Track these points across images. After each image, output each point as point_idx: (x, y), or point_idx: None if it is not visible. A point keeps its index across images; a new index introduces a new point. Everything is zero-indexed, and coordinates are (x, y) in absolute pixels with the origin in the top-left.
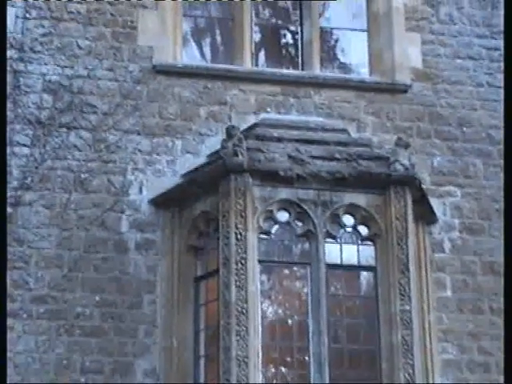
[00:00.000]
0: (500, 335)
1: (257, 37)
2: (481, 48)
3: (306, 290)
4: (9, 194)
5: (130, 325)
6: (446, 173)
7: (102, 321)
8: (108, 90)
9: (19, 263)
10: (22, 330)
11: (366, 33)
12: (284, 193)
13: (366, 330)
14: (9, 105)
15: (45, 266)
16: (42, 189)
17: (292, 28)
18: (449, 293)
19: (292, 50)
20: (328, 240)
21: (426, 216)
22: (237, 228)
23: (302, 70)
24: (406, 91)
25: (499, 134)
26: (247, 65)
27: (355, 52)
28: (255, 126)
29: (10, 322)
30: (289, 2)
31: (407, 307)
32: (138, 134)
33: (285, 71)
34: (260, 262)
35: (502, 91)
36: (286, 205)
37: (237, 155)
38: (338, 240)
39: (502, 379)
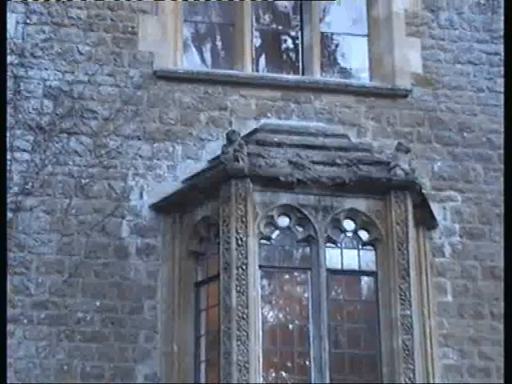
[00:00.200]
0: (501, 340)
1: (257, 42)
2: (481, 53)
3: (307, 294)
4: (9, 200)
5: (131, 330)
6: (447, 178)
7: (103, 326)
8: (108, 95)
9: (20, 269)
10: (23, 336)
11: (366, 38)
12: (285, 198)
13: (367, 334)
14: (9, 110)
15: (45, 271)
16: (43, 194)
17: (292, 33)
18: (449, 297)
19: (292, 55)
20: (329, 245)
21: (426, 221)
22: (237, 233)
23: (303, 75)
24: (406, 96)
25: (499, 139)
26: (248, 70)
27: (356, 57)
28: (256, 131)
29: (10, 327)
30: (289, 7)
31: (408, 312)
32: (139, 139)
33: (285, 76)
34: (261, 267)
35: (502, 96)
36: (286, 210)
37: (237, 160)
38: (339, 245)
39: None
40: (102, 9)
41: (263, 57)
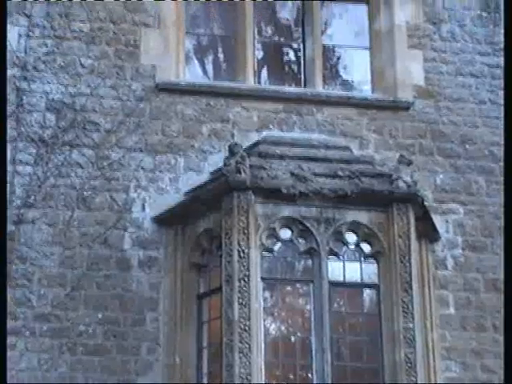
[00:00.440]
0: None
1: (259, 54)
2: (483, 65)
3: (309, 307)
4: (12, 212)
5: (133, 342)
6: (449, 190)
7: (105, 339)
8: (111, 108)
9: (22, 281)
10: (25, 348)
11: (368, 50)
12: (287, 210)
13: (369, 347)
14: (12, 123)
15: (47, 283)
16: (45, 206)
17: (294, 45)
18: (452, 310)
19: (294, 68)
20: (331, 257)
21: (428, 233)
22: (240, 245)
23: (305, 87)
24: (408, 108)
25: (502, 151)
26: (250, 82)
27: (357, 69)
28: (258, 143)
29: (12, 339)
30: (291, 20)
31: (410, 325)
32: (141, 151)
33: (287, 88)
34: (263, 279)
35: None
36: (288, 222)
37: (239, 172)
38: (341, 257)
39: None
40: (105, 22)
41: (265, 69)
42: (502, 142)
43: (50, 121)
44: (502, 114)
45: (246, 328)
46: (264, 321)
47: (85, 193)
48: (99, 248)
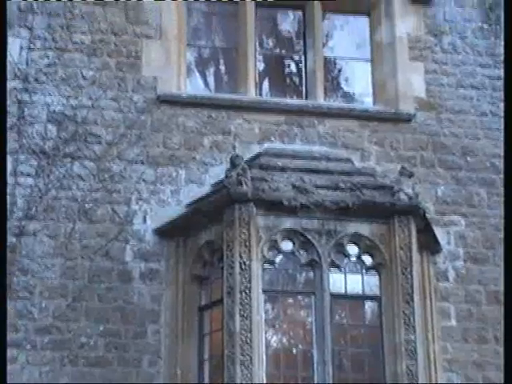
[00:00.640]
0: None
1: (260, 66)
2: (484, 77)
3: (311, 319)
4: (13, 224)
5: (134, 355)
6: (450, 202)
7: (106, 351)
8: (112, 120)
9: (23, 293)
10: (26, 361)
11: (369, 62)
12: (288, 222)
13: (371, 359)
14: (13, 135)
15: (49, 295)
16: (47, 219)
17: (296, 57)
18: (453, 322)
19: (296, 80)
20: (332, 269)
21: (430, 245)
22: (241, 257)
23: (306, 99)
24: (409, 120)
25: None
26: (251, 94)
27: (359, 81)
28: (259, 155)
29: (13, 352)
30: (292, 32)
31: (412, 337)
32: (142, 163)
33: (289, 101)
34: (264, 291)
35: None
36: (290, 234)
37: (241, 185)
38: (343, 269)
39: None
40: (106, 34)
41: (266, 81)
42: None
43: (51, 133)
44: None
45: (248, 340)
46: (265, 333)
47: (86, 205)
48: (100, 260)
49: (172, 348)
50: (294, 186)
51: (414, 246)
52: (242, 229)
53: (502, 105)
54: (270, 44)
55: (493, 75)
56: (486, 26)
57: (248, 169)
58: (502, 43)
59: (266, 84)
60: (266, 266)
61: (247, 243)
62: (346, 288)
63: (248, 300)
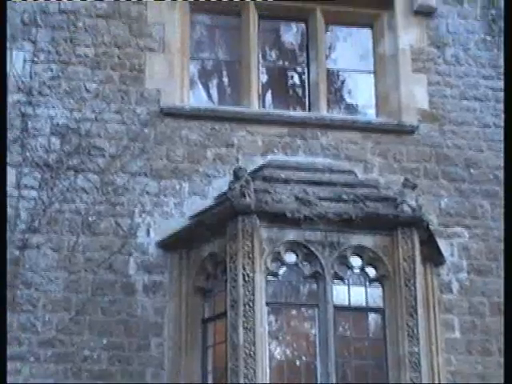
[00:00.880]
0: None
1: (263, 78)
2: (487, 89)
3: (314, 331)
4: (17, 237)
5: (138, 368)
6: (454, 214)
7: (110, 364)
8: (116, 132)
9: (27, 306)
10: (30, 374)
11: (372, 74)
12: (291, 234)
13: (375, 371)
14: (17, 148)
15: (52, 309)
16: (50, 231)
17: (299, 69)
18: (457, 334)
19: (299, 92)
20: (336, 281)
21: (433, 257)
22: (244, 270)
23: (309, 111)
24: (412, 132)
25: None
26: (254, 106)
27: (362, 93)
28: (262, 167)
29: (17, 365)
30: (295, 44)
31: (415, 349)
32: (146, 176)
33: (292, 113)
34: (268, 303)
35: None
36: (293, 246)
37: (244, 197)
38: (346, 281)
39: None
40: (109, 47)
41: (269, 93)
42: None
43: (54, 145)
44: None
45: (251, 353)
46: (269, 345)
47: (90, 218)
48: (104, 273)
49: (175, 361)
50: (297, 198)
51: (418, 258)
52: (246, 241)
53: None
54: (273, 56)
55: (496, 87)
56: (488, 38)
57: (251, 181)
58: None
59: (269, 96)
60: (270, 278)
61: (250, 255)
62: (349, 300)
63: (251, 312)
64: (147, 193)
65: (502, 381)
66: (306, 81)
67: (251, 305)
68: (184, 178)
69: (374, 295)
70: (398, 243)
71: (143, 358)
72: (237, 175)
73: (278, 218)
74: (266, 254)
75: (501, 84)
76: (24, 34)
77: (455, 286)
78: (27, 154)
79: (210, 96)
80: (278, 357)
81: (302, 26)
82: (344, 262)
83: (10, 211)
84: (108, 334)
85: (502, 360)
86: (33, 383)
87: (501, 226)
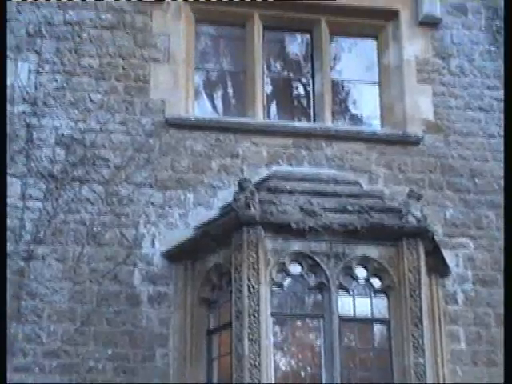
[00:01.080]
0: None
1: (268, 89)
2: (492, 100)
3: (319, 342)
4: (22, 248)
5: (143, 379)
6: (459, 224)
7: (115, 375)
8: (120, 143)
9: (32, 317)
10: None
11: (377, 85)
12: (296, 245)
13: (380, 382)
14: (22, 159)
15: (57, 319)
16: (55, 242)
17: (303, 80)
18: (463, 345)
19: (304, 102)
20: (341, 292)
21: (438, 268)
22: (249, 281)
23: (314, 122)
24: (417, 143)
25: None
26: (259, 117)
27: (367, 104)
28: (267, 178)
29: (22, 376)
30: (300, 55)
31: (421, 360)
32: (151, 187)
33: (296, 123)
34: (273, 314)
35: None
36: (298, 257)
37: (249, 208)
38: (351, 292)
39: None
40: (114, 57)
41: (274, 104)
42: None
43: (59, 156)
44: None
45: (256, 364)
46: (274, 356)
47: (94, 228)
48: (109, 284)
49: (180, 372)
50: (302, 209)
51: (423, 269)
52: (251, 252)
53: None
54: (278, 67)
55: (500, 97)
56: (493, 49)
57: (256, 192)
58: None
59: (273, 107)
60: (275, 289)
61: (255, 266)
62: (354, 311)
63: (256, 323)
64: (152, 203)
65: None
66: (311, 92)
67: (256, 316)
68: (189, 189)
69: (379, 306)
70: (403, 254)
71: (148, 369)
72: (242, 186)
73: (282, 229)
74: (271, 265)
75: None
76: (29, 45)
77: (460, 297)
78: (32, 164)
79: (214, 107)
80: (284, 368)
81: (307, 36)
82: (349, 273)
83: (14, 222)
84: (113, 344)
85: None
86: None
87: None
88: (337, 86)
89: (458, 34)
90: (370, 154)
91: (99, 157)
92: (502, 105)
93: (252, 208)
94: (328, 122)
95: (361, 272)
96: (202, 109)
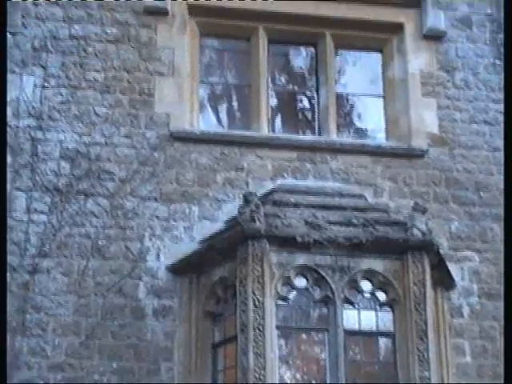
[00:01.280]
0: None
1: (273, 103)
2: (497, 113)
3: (324, 355)
4: (26, 262)
5: None
6: (464, 237)
7: None
8: (125, 156)
9: (36, 330)
10: None
11: (382, 98)
12: (301, 258)
13: None
14: (27, 172)
15: (62, 333)
16: (60, 256)
17: (308, 93)
18: (468, 359)
19: (308, 116)
20: (346, 306)
21: (444, 281)
22: (254, 294)
23: (319, 135)
24: (422, 156)
25: None
26: (264, 131)
27: (371, 117)
28: (272, 191)
29: None
30: (305, 68)
31: (426, 373)
32: (156, 200)
33: (301, 137)
34: (278, 327)
35: None
36: (303, 270)
37: (254, 221)
38: (356, 306)
39: None
40: (119, 71)
41: (279, 117)
42: None
43: (64, 170)
44: None
45: (261, 377)
46: (279, 369)
47: (99, 242)
48: (114, 297)
49: None
50: (307, 222)
51: (428, 282)
52: (256, 265)
53: None
54: (283, 80)
55: None
56: (498, 62)
57: (261, 205)
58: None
59: (278, 120)
60: (280, 302)
61: (260, 280)
62: (359, 324)
63: (261, 337)
64: (157, 217)
65: None
66: (316, 105)
67: (261, 329)
68: (194, 202)
69: (384, 319)
70: (409, 267)
71: (153, 383)
72: (247, 199)
73: (287, 243)
74: (276, 279)
75: None
76: (34, 59)
77: (466, 310)
78: (37, 178)
79: (219, 120)
80: (288, 381)
81: (312, 50)
82: (354, 286)
83: (19, 236)
84: (118, 358)
85: None
86: None
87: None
88: (341, 100)
89: (463, 47)
90: (374, 167)
91: (104, 170)
92: None
93: (257, 221)
94: (333, 136)
95: (366, 285)
96: (207, 122)
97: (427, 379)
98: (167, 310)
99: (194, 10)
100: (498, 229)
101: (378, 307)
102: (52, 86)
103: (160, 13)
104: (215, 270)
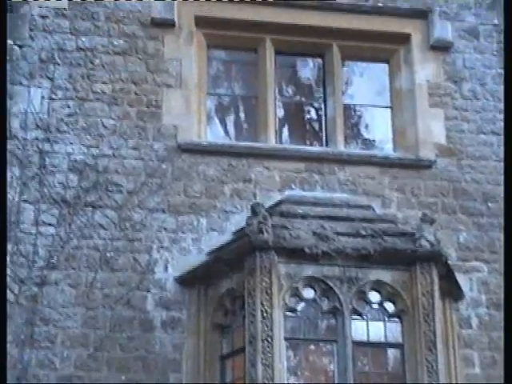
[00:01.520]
0: None
1: (280, 114)
2: None
3: (333, 366)
4: (35, 274)
5: None
6: (472, 248)
7: None
8: (133, 168)
9: (45, 343)
10: None
11: (389, 109)
12: (309, 270)
13: None
14: (35, 185)
15: (70, 345)
16: (68, 268)
17: (315, 105)
18: (477, 370)
19: (316, 127)
20: (354, 317)
21: (452, 292)
22: (263, 305)
23: (326, 146)
24: (430, 167)
25: None
26: (271, 142)
27: (379, 128)
28: (280, 202)
29: None
30: (312, 79)
31: None
32: (163, 212)
33: (309, 148)
34: (286, 339)
35: None
36: (311, 282)
37: (262, 232)
38: (365, 317)
39: None
40: (126, 83)
41: (286, 128)
42: None
43: (72, 182)
44: None
45: None
46: (287, 380)
47: (107, 254)
48: (122, 309)
49: None
50: (314, 234)
51: (436, 293)
52: (264, 277)
53: None
54: (290, 91)
55: None
56: None
57: (269, 216)
58: None
59: (285, 131)
60: (288, 313)
61: (268, 291)
62: (368, 335)
63: (270, 348)
64: (165, 228)
65: None
66: (323, 116)
67: (270, 340)
68: (202, 214)
69: (392, 330)
70: (417, 278)
71: None
72: (254, 211)
73: (295, 254)
74: (284, 290)
75: None
76: (42, 72)
77: (474, 321)
78: (45, 190)
79: (226, 131)
80: None
81: (319, 61)
82: (362, 298)
83: (28, 248)
84: (126, 370)
85: None
86: None
87: None
88: (349, 110)
89: (470, 57)
90: (382, 178)
91: (112, 182)
92: None
93: (265, 233)
94: (340, 146)
95: (374, 296)
96: (215, 134)
97: None
98: (176, 321)
99: (201, 22)
100: None
101: (386, 318)
102: (59, 98)
103: (167, 25)
104: (223, 281)
